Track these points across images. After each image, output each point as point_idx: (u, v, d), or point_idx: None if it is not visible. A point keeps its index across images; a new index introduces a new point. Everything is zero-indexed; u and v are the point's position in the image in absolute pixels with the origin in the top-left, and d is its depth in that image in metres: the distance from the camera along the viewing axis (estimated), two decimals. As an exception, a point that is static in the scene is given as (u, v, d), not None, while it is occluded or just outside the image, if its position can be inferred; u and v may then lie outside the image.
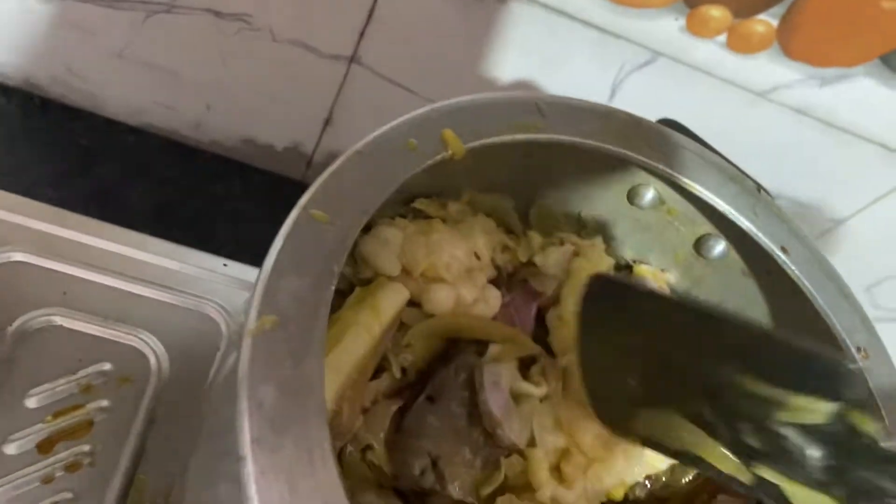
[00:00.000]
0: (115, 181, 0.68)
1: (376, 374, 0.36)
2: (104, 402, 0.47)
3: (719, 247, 0.41)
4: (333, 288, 0.26)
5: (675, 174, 0.38)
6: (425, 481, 0.34)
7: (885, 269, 0.77)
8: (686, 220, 0.41)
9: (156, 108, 0.69)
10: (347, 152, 0.31)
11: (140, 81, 0.67)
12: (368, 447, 0.34)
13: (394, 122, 0.32)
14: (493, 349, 0.38)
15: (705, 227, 0.41)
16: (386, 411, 0.35)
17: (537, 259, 0.42)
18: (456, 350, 0.38)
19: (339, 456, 0.35)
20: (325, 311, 0.26)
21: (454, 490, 0.34)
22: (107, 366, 0.48)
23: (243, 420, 0.24)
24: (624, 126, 0.38)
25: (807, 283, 0.37)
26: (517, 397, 0.38)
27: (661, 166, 0.37)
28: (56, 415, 0.46)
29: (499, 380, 0.37)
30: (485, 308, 0.40)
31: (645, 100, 0.62)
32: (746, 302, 0.41)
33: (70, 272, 0.50)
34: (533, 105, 0.35)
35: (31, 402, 0.46)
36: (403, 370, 0.37)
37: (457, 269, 0.39)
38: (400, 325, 0.37)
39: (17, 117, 0.67)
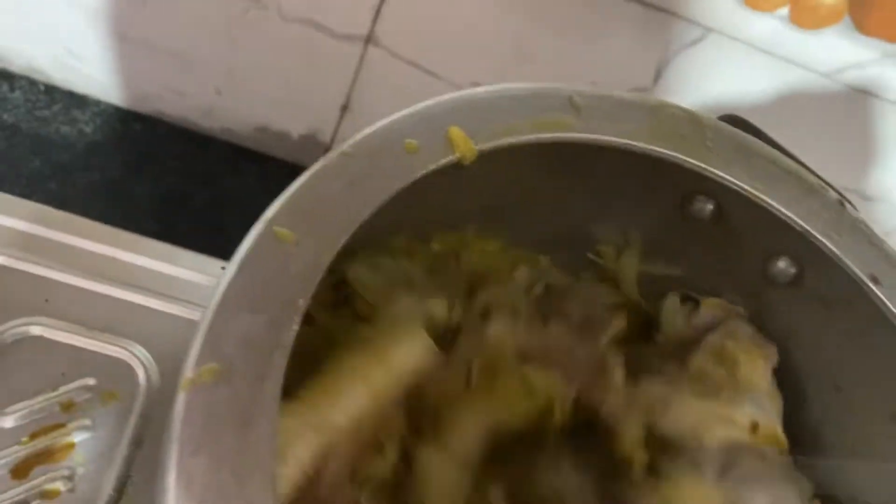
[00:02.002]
0: (120, 173, 0.64)
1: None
2: (87, 421, 0.43)
3: (792, 270, 0.35)
4: (296, 328, 0.21)
5: (741, 184, 0.31)
6: None
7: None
8: (753, 238, 0.35)
9: (164, 94, 0.65)
10: (329, 154, 0.25)
11: (146, 65, 0.62)
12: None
13: (388, 119, 0.27)
14: None
15: (776, 247, 0.34)
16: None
17: None
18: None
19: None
20: (283, 359, 0.21)
21: None
22: (91, 381, 0.44)
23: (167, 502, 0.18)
24: (679, 124, 0.32)
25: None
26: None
27: (723, 174, 0.31)
28: (33, 435, 0.41)
29: None
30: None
31: (694, 82, 0.56)
32: (826, 339, 0.35)
33: (53, 277, 0.46)
34: (565, 98, 0.29)
35: (7, 422, 0.41)
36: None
37: None
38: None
39: (21, 105, 0.63)
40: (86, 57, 0.62)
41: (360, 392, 0.27)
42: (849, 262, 0.30)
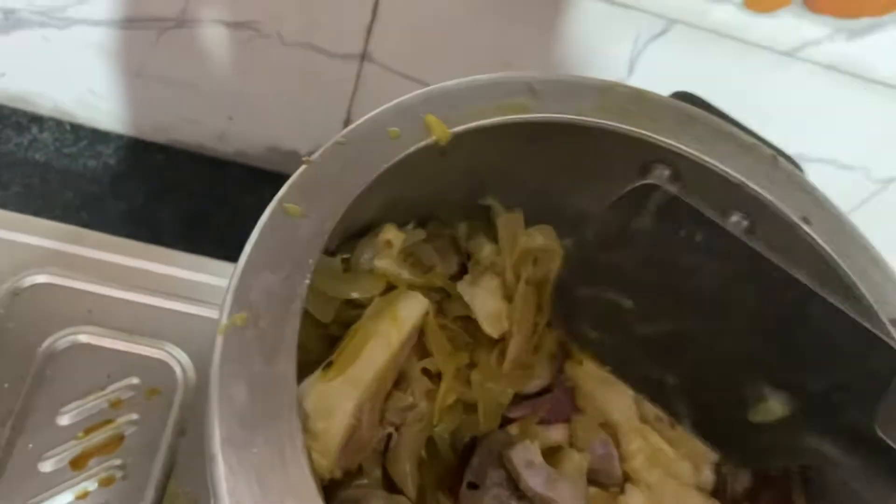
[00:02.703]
0: (145, 199, 0.69)
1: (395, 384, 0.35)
2: (134, 416, 0.47)
3: (745, 223, 0.39)
4: (307, 282, 0.26)
5: (682, 147, 0.36)
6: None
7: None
8: (706, 196, 0.39)
9: (180, 124, 0.70)
10: (327, 143, 0.30)
11: (161, 98, 0.68)
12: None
13: (375, 111, 0.31)
14: (513, 427, 0.37)
15: (726, 202, 0.38)
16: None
17: None
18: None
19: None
20: (298, 306, 0.25)
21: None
22: (135, 380, 0.49)
23: (213, 418, 0.23)
24: (626, 100, 0.36)
25: (833, 254, 0.35)
26: (553, 454, 0.36)
27: (664, 139, 0.35)
28: (87, 431, 0.46)
29: (531, 457, 0.35)
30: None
31: (667, 71, 0.60)
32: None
33: (94, 290, 0.51)
34: (524, 84, 0.34)
35: (63, 420, 0.46)
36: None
37: None
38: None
39: (50, 145, 0.69)
40: (106, 95, 0.67)
41: (381, 350, 0.32)
42: (782, 207, 0.35)
